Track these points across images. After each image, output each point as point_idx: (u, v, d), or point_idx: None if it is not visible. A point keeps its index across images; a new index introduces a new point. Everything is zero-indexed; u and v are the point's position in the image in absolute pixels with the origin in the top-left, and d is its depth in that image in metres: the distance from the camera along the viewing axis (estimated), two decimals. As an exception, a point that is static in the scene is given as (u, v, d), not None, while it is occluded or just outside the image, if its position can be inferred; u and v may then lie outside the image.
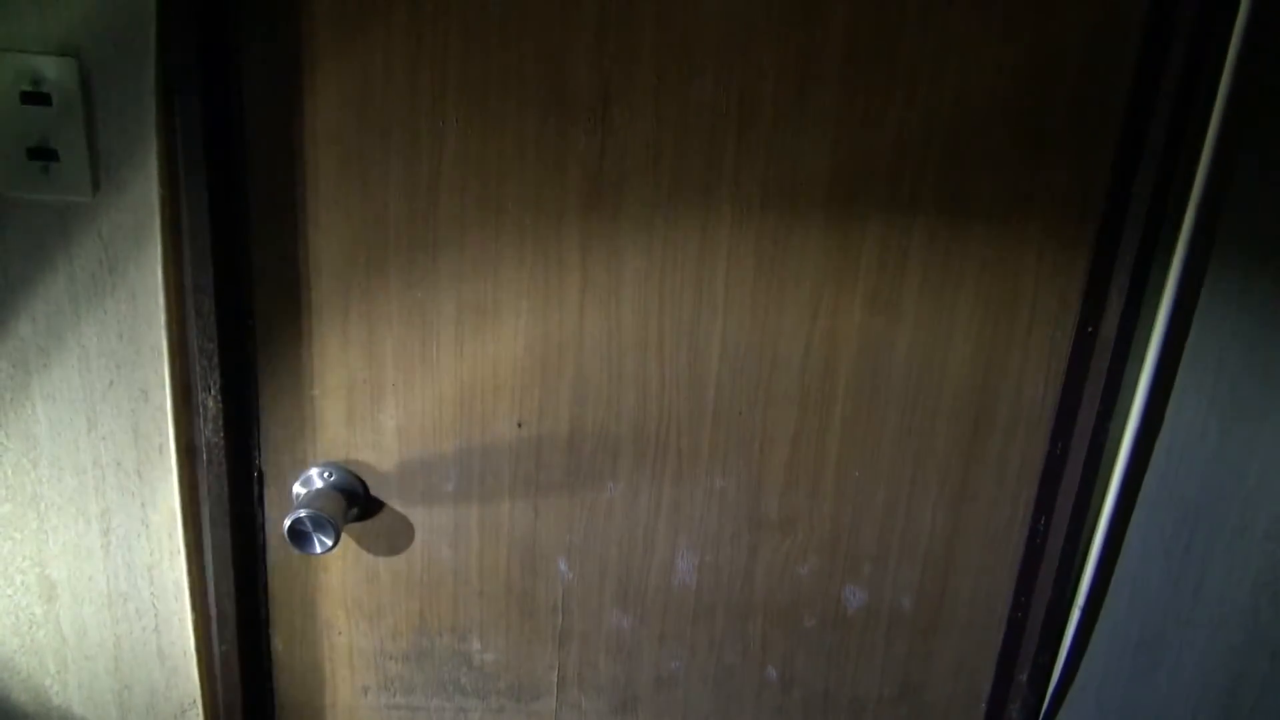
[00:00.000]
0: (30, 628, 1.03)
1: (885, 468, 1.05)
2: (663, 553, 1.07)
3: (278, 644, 1.08)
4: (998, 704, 1.15)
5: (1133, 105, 0.93)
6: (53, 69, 0.86)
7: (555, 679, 1.12)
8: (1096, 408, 1.01)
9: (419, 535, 1.05)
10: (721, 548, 1.07)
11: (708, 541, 1.07)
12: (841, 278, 0.97)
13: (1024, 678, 1.11)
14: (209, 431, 0.96)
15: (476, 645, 1.10)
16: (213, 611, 1.02)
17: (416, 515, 1.04)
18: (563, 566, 1.07)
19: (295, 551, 0.96)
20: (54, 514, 0.99)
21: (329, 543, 0.94)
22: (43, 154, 0.88)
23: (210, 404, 0.95)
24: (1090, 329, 0.99)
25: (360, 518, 1.04)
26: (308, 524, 0.94)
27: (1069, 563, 1.06)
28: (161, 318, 0.93)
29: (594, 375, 1.00)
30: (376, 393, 1.00)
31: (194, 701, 1.06)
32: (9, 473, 0.97)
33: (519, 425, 1.01)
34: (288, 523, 0.93)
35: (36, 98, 0.86)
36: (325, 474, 1.01)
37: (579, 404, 1.01)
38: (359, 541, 1.05)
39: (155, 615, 1.03)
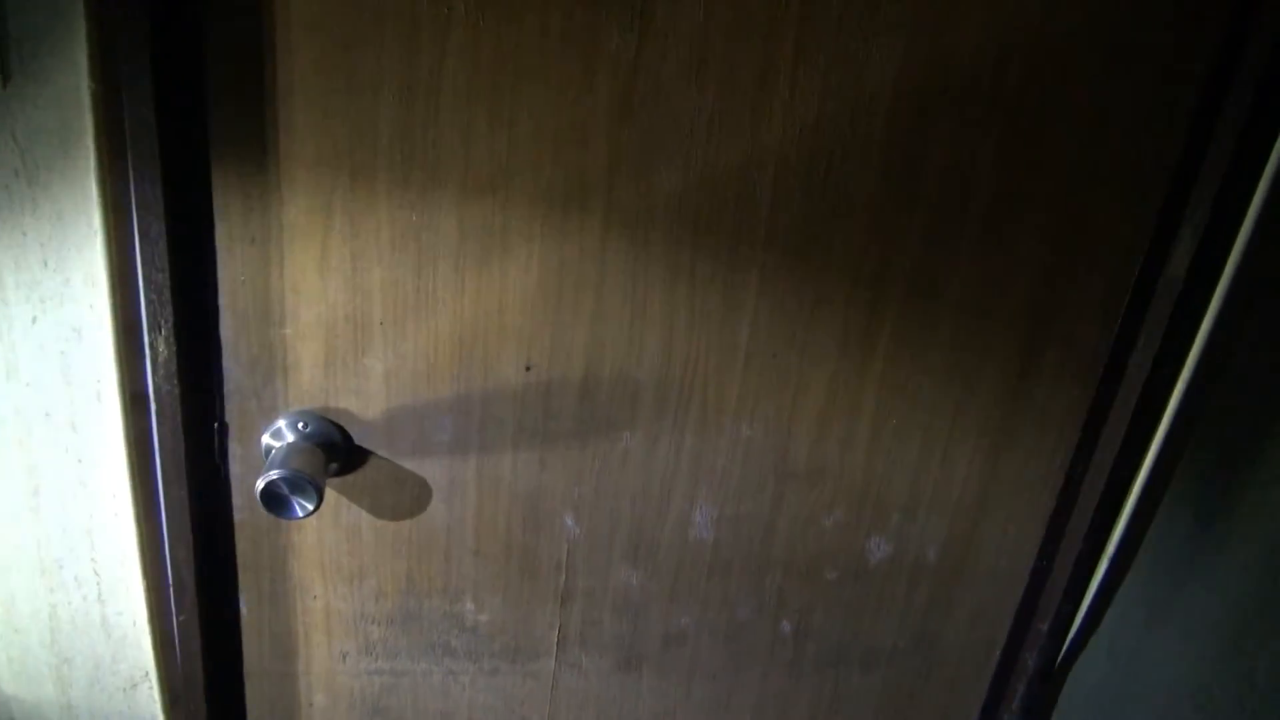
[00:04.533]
0: (-56, 600, 0.98)
1: (924, 415, 1.07)
2: (679, 506, 1.09)
3: (244, 610, 1.06)
4: (1012, 652, 1.25)
5: (1231, 23, 0.92)
6: (-59, -81, 0.74)
7: (555, 639, 1.15)
8: (1153, 354, 1.05)
9: (408, 490, 1.03)
10: (744, 500, 1.09)
11: (729, 494, 1.09)
12: (899, 204, 0.96)
13: (1044, 627, 1.20)
14: (159, 377, 0.90)
15: (470, 606, 1.11)
16: (168, 578, 0.99)
17: (406, 468, 1.02)
18: (569, 521, 1.08)
19: (268, 515, 0.93)
20: (-32, 472, 0.93)
21: (310, 506, 0.91)
22: (-68, 32, 0.77)
23: (161, 345, 0.89)
24: (1155, 270, 1.02)
25: (341, 472, 1.01)
26: (284, 486, 0.90)
27: (1104, 515, 1.13)
28: (98, 241, 0.85)
29: (615, 312, 0.97)
30: (362, 332, 0.95)
31: (146, 674, 1.04)
32: (-91, 425, 0.90)
33: (527, 368, 0.99)
34: (261, 485, 0.89)
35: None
36: (300, 424, 0.97)
37: (596, 344, 0.99)
38: (339, 498, 1.02)
39: (98, 583, 0.99)
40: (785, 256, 0.93)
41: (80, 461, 0.90)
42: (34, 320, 0.84)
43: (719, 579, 1.10)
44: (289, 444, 0.93)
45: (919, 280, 0.96)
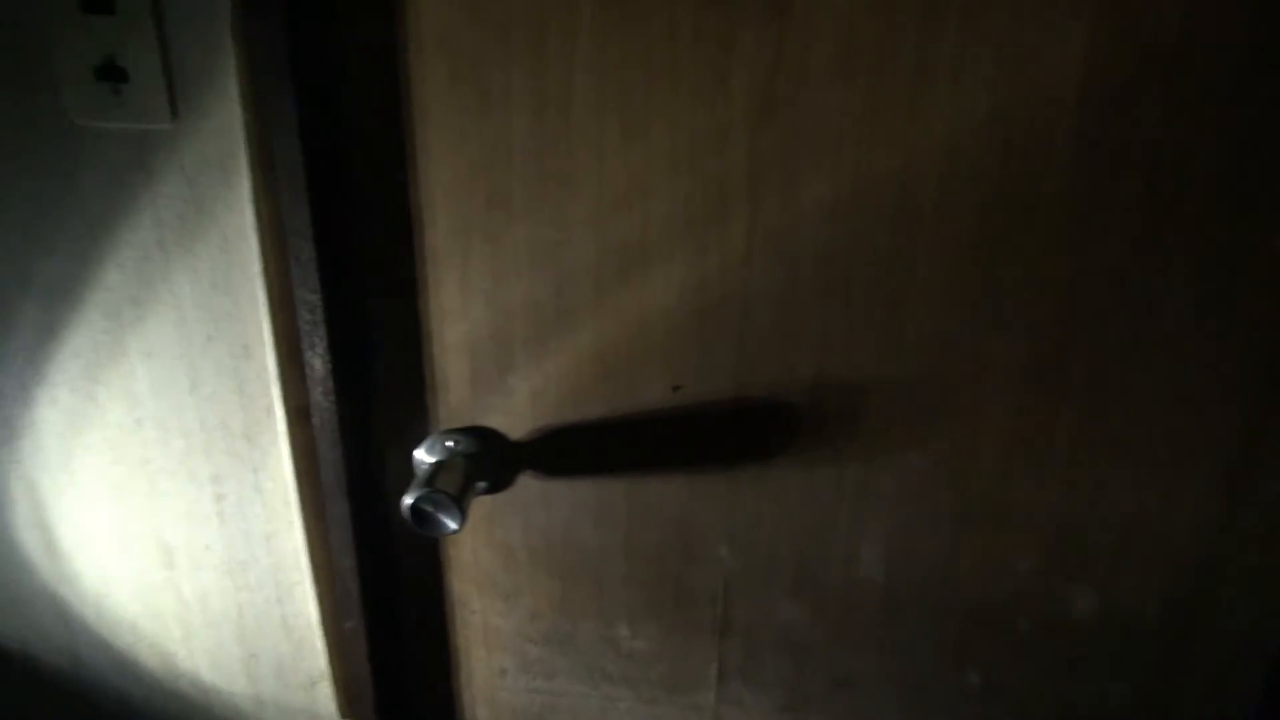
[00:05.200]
0: (151, 593, 1.09)
1: (1139, 448, 0.92)
2: (845, 541, 1.00)
3: (407, 621, 1.10)
4: (1265, 733, 1.05)
5: None
6: (113, -34, 0.80)
7: (714, 672, 1.09)
8: None
9: (559, 512, 1.02)
10: (918, 537, 0.99)
11: (901, 530, 0.99)
12: (1093, 205, 0.82)
13: (1307, 708, 1.00)
14: (318, 394, 0.95)
15: (625, 632, 1.08)
16: (337, 586, 1.04)
17: (556, 490, 1.01)
18: (724, 552, 1.02)
19: (413, 528, 0.95)
20: (164, 478, 1.02)
21: (453, 525, 0.91)
22: (112, 73, 0.83)
23: (317, 363, 0.93)
24: None
25: (491, 490, 1.02)
26: (429, 504, 0.91)
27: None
28: (257, 265, 0.90)
29: (765, 330, 0.91)
30: (505, 350, 0.95)
31: (323, 674, 1.11)
32: (115, 433, 1.00)
33: (675, 389, 0.95)
34: (408, 502, 0.91)
35: (99, 4, 0.82)
36: (450, 441, 0.98)
37: (746, 365, 0.93)
38: (492, 516, 1.03)
39: (276, 585, 1.06)
40: (955, 269, 0.83)
41: (256, 471, 0.96)
42: (209, 338, 0.91)
43: (892, 622, 1.00)
44: (438, 461, 0.94)
45: (1123, 290, 0.82)
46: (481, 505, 0.98)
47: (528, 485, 0.98)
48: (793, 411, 0.91)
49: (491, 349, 0.92)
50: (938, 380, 0.88)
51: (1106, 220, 0.79)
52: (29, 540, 1.04)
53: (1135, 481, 0.89)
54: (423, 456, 0.96)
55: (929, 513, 0.94)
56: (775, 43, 0.78)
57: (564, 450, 0.96)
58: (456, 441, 0.95)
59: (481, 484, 0.96)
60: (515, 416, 0.95)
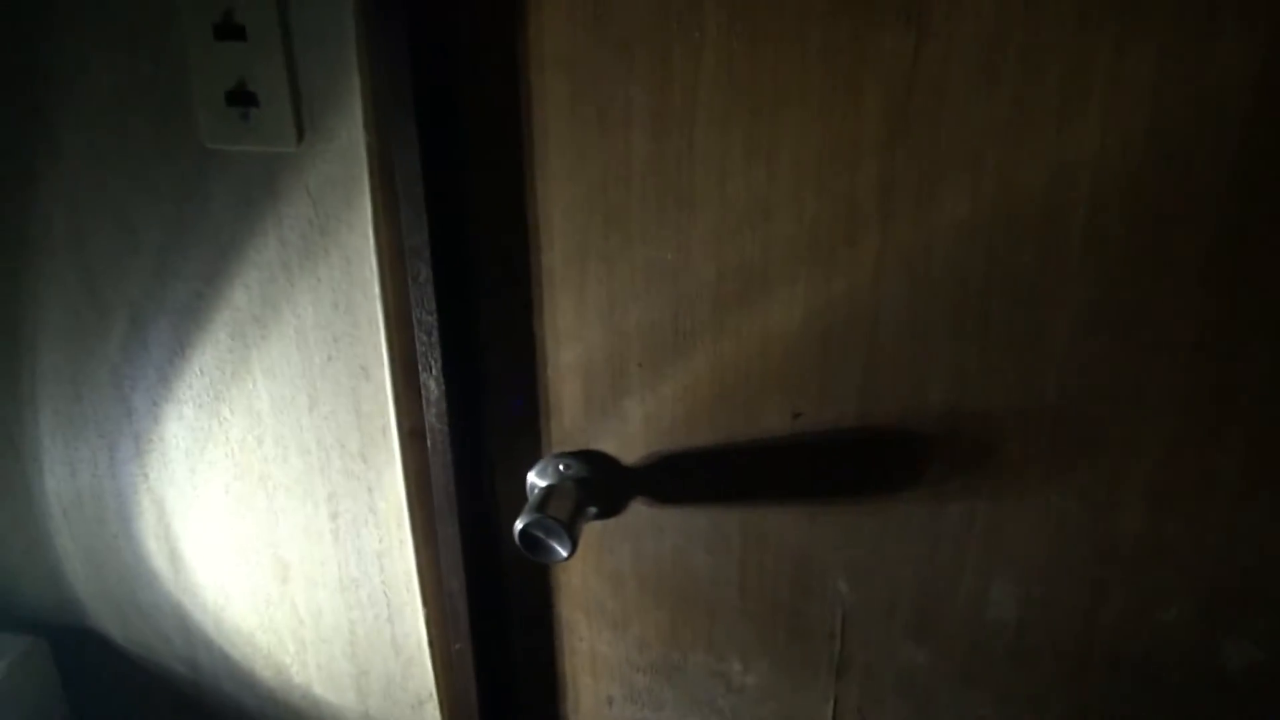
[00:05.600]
0: (268, 606, 1.10)
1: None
2: (973, 581, 0.94)
3: (515, 645, 1.09)
4: None
5: None
6: (246, -4, 0.81)
7: (829, 713, 1.04)
8: None
9: (670, 539, 0.99)
10: (1054, 581, 0.92)
11: (1036, 572, 0.92)
12: (1265, 221, 0.75)
13: None
14: (432, 415, 0.94)
15: (736, 666, 1.04)
16: (446, 608, 1.04)
17: (668, 517, 0.98)
18: (843, 587, 0.97)
19: (524, 554, 0.93)
20: (282, 495, 1.03)
21: (563, 553, 0.90)
22: (241, 98, 0.84)
23: (433, 385, 0.93)
24: None
25: (602, 515, 0.99)
26: (540, 530, 0.89)
27: None
28: (376, 286, 0.90)
29: (892, 356, 0.86)
30: (619, 374, 0.92)
31: (430, 694, 1.10)
32: (236, 449, 1.01)
33: (795, 416, 0.91)
34: (519, 527, 0.89)
35: (230, 31, 0.83)
36: (562, 465, 0.96)
37: (871, 392, 0.88)
38: (602, 542, 1.01)
39: (388, 604, 1.06)
40: (1103, 295, 0.77)
41: (370, 490, 0.96)
42: (329, 358, 0.91)
43: (1024, 669, 0.94)
44: (550, 486, 0.93)
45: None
46: (592, 531, 0.96)
47: (639, 512, 0.95)
48: (921, 442, 0.86)
49: (606, 372, 0.89)
50: (1083, 412, 0.81)
51: (1275, 244, 0.72)
52: (155, 551, 1.06)
53: (1307, 528, 0.81)
54: (535, 480, 0.94)
55: (1069, 554, 0.87)
56: (911, 53, 0.73)
57: (678, 476, 0.93)
58: (569, 465, 0.93)
59: (593, 509, 0.94)
60: (629, 441, 0.92)
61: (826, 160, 0.78)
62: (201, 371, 0.95)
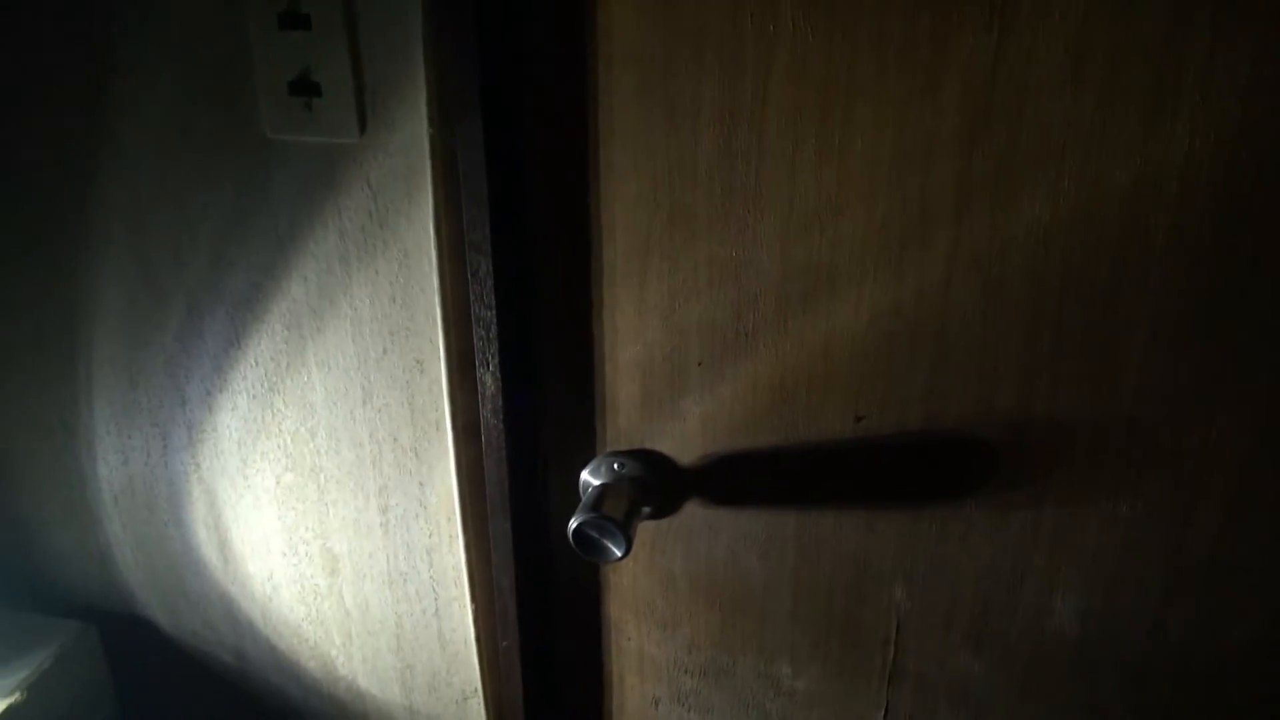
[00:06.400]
0: (315, 598, 1.09)
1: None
2: (1035, 591, 0.91)
3: (562, 644, 1.07)
4: None
5: None
6: (312, -16, 0.80)
7: (881, 720, 1.02)
8: None
9: (724, 541, 0.97)
10: (1120, 592, 0.89)
11: (1101, 582, 0.89)
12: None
13: None
14: (487, 411, 0.93)
15: (786, 670, 1.02)
16: (494, 604, 1.02)
17: (722, 518, 0.96)
18: (899, 593, 0.95)
19: (577, 553, 0.92)
20: (333, 487, 1.02)
21: (618, 553, 0.88)
22: (304, 88, 0.83)
23: (489, 380, 0.91)
24: None
25: (655, 515, 0.98)
26: (594, 529, 0.88)
27: None
28: (435, 280, 0.88)
29: (960, 361, 0.83)
30: (679, 373, 0.90)
31: (475, 690, 1.09)
32: (289, 441, 1.00)
33: (857, 419, 0.88)
34: (573, 526, 0.88)
35: (295, 20, 0.81)
36: (617, 464, 0.95)
37: (937, 396, 0.85)
38: (654, 542, 0.99)
39: (435, 599, 1.05)
40: (1185, 304, 0.74)
41: (421, 485, 0.95)
42: (385, 351, 0.90)
43: (1085, 683, 0.92)
44: (605, 485, 0.91)
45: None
46: (644, 530, 0.95)
47: (693, 512, 0.94)
48: (988, 448, 0.84)
49: (665, 371, 0.88)
50: (1159, 422, 0.79)
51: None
52: (204, 540, 1.06)
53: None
54: (589, 478, 0.93)
55: (1137, 567, 0.85)
56: (994, 49, 0.71)
57: (734, 478, 0.91)
58: (623, 464, 0.91)
59: (647, 509, 0.93)
60: (685, 441, 0.90)
61: (901, 159, 0.76)
62: (256, 362, 0.94)
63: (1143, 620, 0.87)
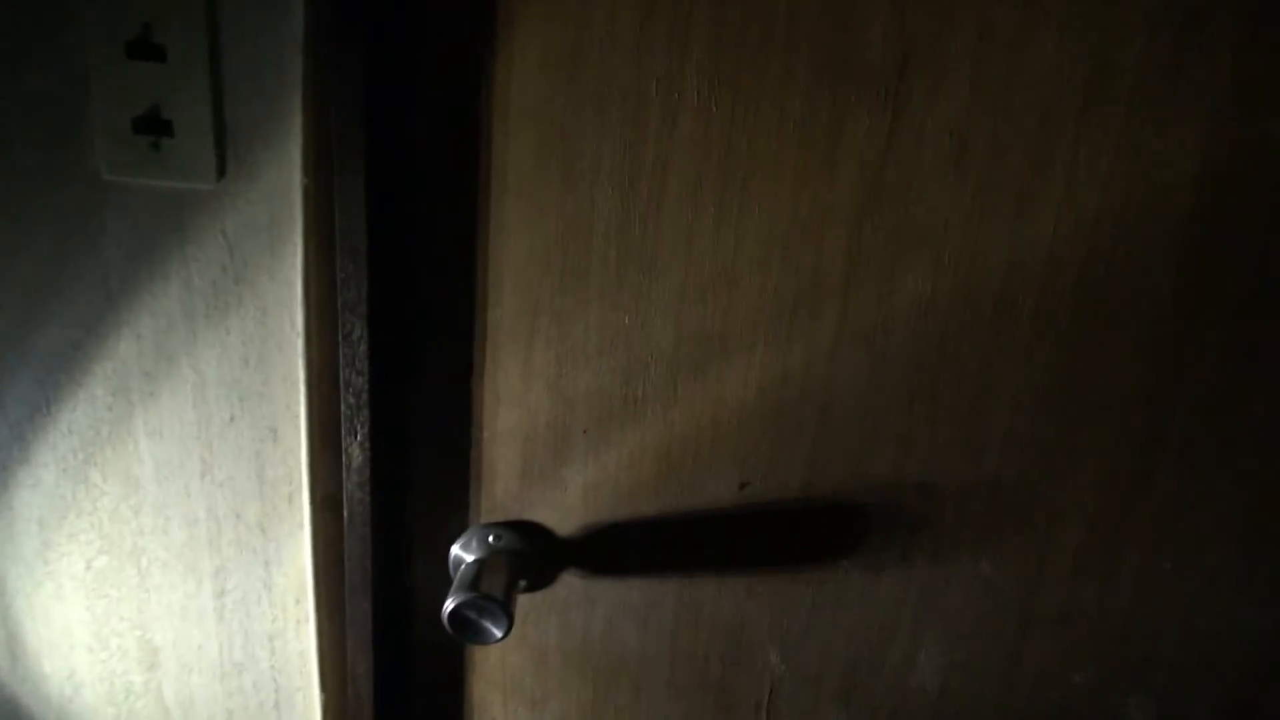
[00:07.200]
0: (127, 697, 0.95)
1: (1211, 558, 0.90)
2: (902, 647, 0.95)
3: (420, 729, 0.99)
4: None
5: None
6: (170, 10, 0.71)
7: (753, 784, 1.02)
8: None
9: (601, 612, 0.94)
10: (978, 646, 0.94)
11: (962, 638, 0.94)
12: (1192, 315, 0.80)
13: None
14: (352, 484, 0.85)
15: (660, 741, 1.00)
16: (347, 693, 0.93)
17: (601, 589, 0.93)
18: (773, 657, 0.95)
19: (450, 632, 0.86)
20: (158, 570, 0.89)
21: (498, 634, 0.83)
22: (153, 126, 0.74)
23: (356, 451, 0.84)
24: None
25: (531, 588, 0.93)
26: (473, 610, 0.82)
27: None
28: (298, 342, 0.80)
29: (843, 428, 0.86)
30: (562, 440, 0.87)
31: (318, 788, 0.99)
32: (105, 520, 0.87)
33: (741, 486, 0.88)
34: (450, 607, 0.82)
35: (147, 50, 0.72)
36: (492, 537, 0.89)
37: (819, 463, 0.87)
38: (526, 616, 0.94)
39: (275, 690, 0.94)
40: (1046, 375, 0.80)
41: (267, 564, 0.86)
42: (231, 419, 0.80)
43: (944, 732, 0.95)
44: (481, 560, 0.86)
45: (1210, 404, 0.80)
46: (517, 602, 0.90)
47: (570, 583, 0.90)
48: (863, 512, 0.86)
49: (548, 438, 0.84)
50: (1017, 484, 0.84)
51: (1203, 333, 0.77)
52: (-13, 637, 0.90)
53: (1204, 588, 0.87)
54: (460, 553, 0.87)
55: (994, 619, 0.90)
56: (887, 134, 0.74)
57: (615, 548, 0.88)
58: (500, 537, 0.87)
59: (523, 583, 0.88)
60: (565, 511, 0.87)
61: (795, 231, 0.77)
62: (70, 431, 0.81)
63: (998, 669, 0.92)
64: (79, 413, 0.81)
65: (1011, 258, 0.77)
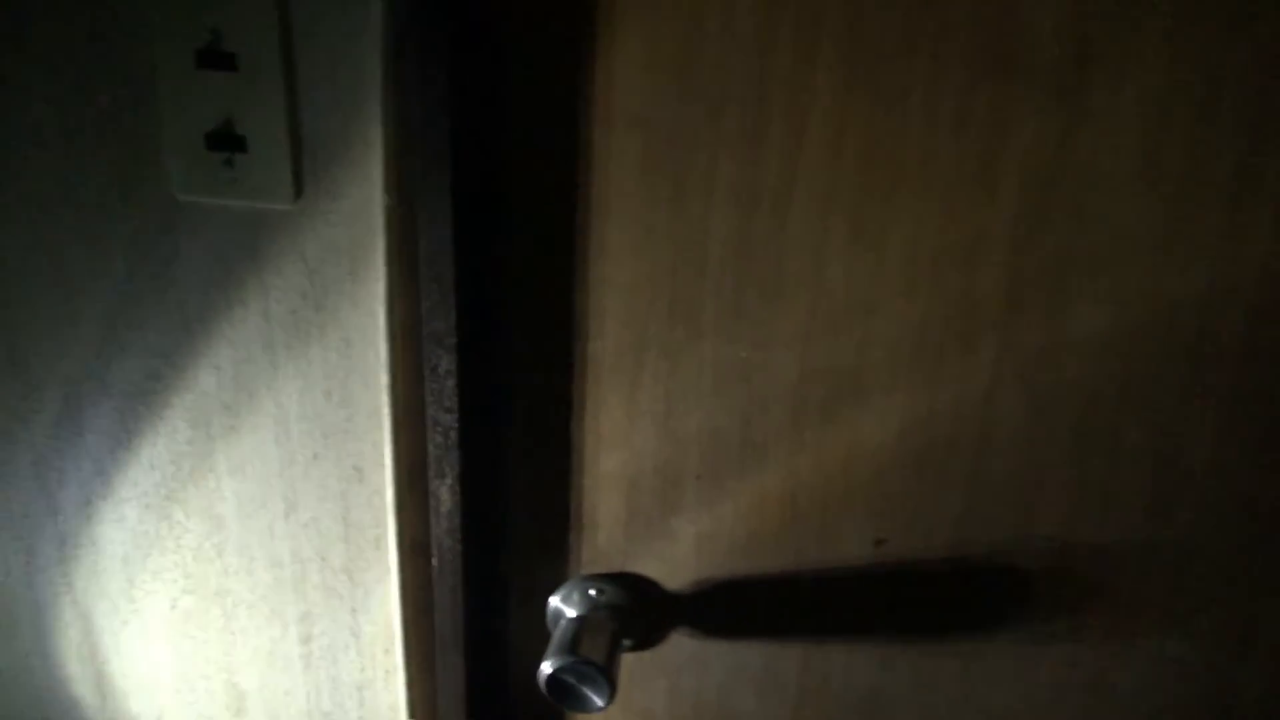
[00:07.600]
0: (216, 742, 0.91)
1: None
2: (1069, 733, 0.82)
3: (517, 794, 0.92)
4: None
5: None
6: (240, 16, 0.65)
7: None
8: None
9: (715, 677, 0.84)
10: (1162, 735, 0.80)
11: (1142, 724, 0.80)
12: None
13: None
14: (441, 530, 0.78)
15: (780, 822, 0.89)
16: (438, 751, 0.86)
17: (714, 651, 0.83)
18: (914, 736, 0.84)
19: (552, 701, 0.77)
20: (243, 613, 0.84)
21: (600, 703, 0.74)
22: (226, 142, 0.68)
23: (445, 494, 0.76)
24: None
25: (637, 647, 0.84)
26: (573, 676, 0.74)
27: None
28: (383, 376, 0.73)
29: (1001, 479, 0.73)
30: (672, 486, 0.77)
31: (410, 847, 0.92)
32: (189, 559, 0.82)
33: (877, 543, 0.77)
34: (547, 671, 0.74)
35: (217, 59, 0.66)
36: (594, 590, 0.80)
37: (972, 519, 0.75)
38: (632, 677, 0.85)
39: (365, 744, 0.88)
40: (1255, 418, 0.65)
41: (354, 612, 0.79)
42: (315, 456, 0.74)
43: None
44: (581, 617, 0.77)
45: None
46: (622, 664, 0.81)
47: (681, 644, 0.81)
48: (1023, 577, 0.74)
49: (655, 484, 0.75)
50: (1215, 546, 0.70)
51: None
52: (77, 675, 0.87)
53: None
54: (559, 605, 0.79)
55: (1183, 709, 0.75)
56: (1059, 137, 0.61)
57: (731, 607, 0.78)
58: (602, 591, 0.78)
59: (628, 642, 0.78)
60: (675, 564, 0.78)
61: (945, 252, 0.65)
62: (152, 466, 0.77)
63: (1185, 767, 0.77)
64: (160, 447, 0.76)
65: (1215, 281, 0.63)
